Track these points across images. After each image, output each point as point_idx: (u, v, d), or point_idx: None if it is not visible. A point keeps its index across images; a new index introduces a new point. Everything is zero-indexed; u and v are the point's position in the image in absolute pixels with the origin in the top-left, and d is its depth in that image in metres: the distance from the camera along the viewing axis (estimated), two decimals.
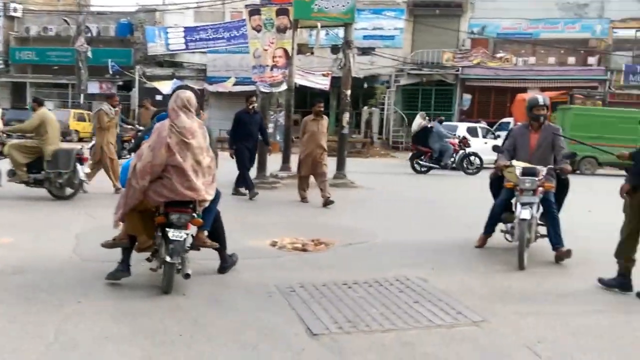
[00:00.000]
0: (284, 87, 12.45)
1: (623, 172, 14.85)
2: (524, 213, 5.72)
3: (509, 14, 28.47)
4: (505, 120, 23.65)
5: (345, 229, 7.83)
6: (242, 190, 10.27)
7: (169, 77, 28.61)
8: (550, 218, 6.07)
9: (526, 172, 5.89)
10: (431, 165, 17.00)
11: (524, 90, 25.31)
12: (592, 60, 26.93)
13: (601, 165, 19.33)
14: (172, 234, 4.51)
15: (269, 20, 11.99)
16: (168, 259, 4.48)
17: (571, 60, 27.25)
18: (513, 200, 6.14)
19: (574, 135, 17.42)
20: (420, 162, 17.12)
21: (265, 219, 8.42)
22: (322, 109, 9.91)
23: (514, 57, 27.50)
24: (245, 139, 10.22)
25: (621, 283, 5.14)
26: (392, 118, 28.11)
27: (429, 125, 17.38)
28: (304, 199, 9.93)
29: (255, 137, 10.41)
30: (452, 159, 17.12)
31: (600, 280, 5.24)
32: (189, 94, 4.80)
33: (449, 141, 17.18)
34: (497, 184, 6.60)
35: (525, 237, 5.69)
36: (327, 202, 9.38)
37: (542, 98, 6.32)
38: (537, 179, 5.84)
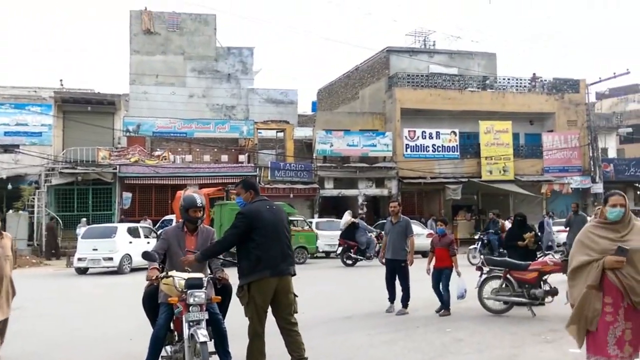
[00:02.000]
0: None
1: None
2: (201, 335, 4.89)
3: (163, 114, 29.32)
4: (168, 217, 23.64)
5: None
6: None
7: None
8: (219, 334, 5.47)
9: (192, 284, 5.08)
10: (358, 257, 19.09)
11: (184, 187, 25.81)
12: (242, 158, 29.23)
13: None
14: None
15: None
16: None
17: (224, 158, 29.12)
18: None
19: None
20: (351, 255, 19.08)
21: None
22: None
23: (171, 155, 28.10)
24: None
25: None
26: (44, 221, 25.46)
27: (356, 222, 19.59)
28: None
29: None
30: (375, 251, 18.66)
31: None
32: None
33: (371, 235, 19.61)
34: (151, 300, 5.58)
35: None
36: None
37: (199, 199, 5.67)
38: (204, 291, 5.14)
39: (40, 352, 7.18)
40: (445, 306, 9.25)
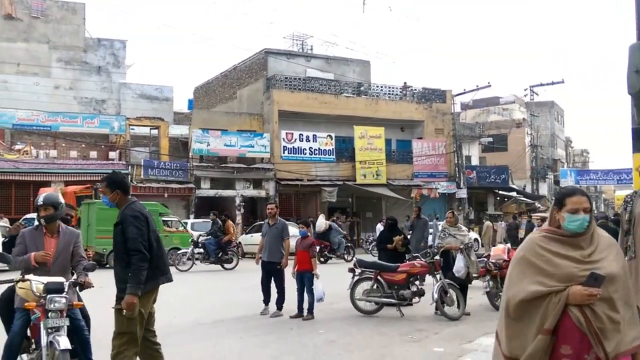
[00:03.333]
0: None
1: None
2: (61, 342, 4.59)
3: (25, 105, 27.21)
4: (28, 216, 21.90)
5: None
6: None
7: None
8: (81, 341, 5.09)
9: (52, 289, 4.79)
10: (330, 255, 21.03)
11: (47, 184, 24.18)
12: (113, 154, 27.81)
13: None
14: None
15: None
16: None
17: (93, 154, 27.56)
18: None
19: (100, 229, 17.44)
20: (326, 254, 20.73)
21: None
22: None
23: (34, 150, 26.13)
24: None
25: None
26: None
27: (330, 224, 21.66)
28: None
29: None
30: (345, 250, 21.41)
31: None
32: None
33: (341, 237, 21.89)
34: (6, 304, 5.24)
35: None
36: None
37: (42, 197, 5.25)
38: (65, 296, 4.85)
39: None
40: (309, 310, 9.25)
